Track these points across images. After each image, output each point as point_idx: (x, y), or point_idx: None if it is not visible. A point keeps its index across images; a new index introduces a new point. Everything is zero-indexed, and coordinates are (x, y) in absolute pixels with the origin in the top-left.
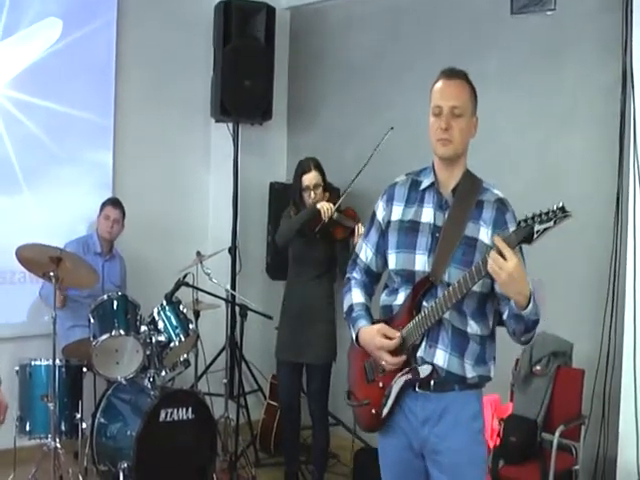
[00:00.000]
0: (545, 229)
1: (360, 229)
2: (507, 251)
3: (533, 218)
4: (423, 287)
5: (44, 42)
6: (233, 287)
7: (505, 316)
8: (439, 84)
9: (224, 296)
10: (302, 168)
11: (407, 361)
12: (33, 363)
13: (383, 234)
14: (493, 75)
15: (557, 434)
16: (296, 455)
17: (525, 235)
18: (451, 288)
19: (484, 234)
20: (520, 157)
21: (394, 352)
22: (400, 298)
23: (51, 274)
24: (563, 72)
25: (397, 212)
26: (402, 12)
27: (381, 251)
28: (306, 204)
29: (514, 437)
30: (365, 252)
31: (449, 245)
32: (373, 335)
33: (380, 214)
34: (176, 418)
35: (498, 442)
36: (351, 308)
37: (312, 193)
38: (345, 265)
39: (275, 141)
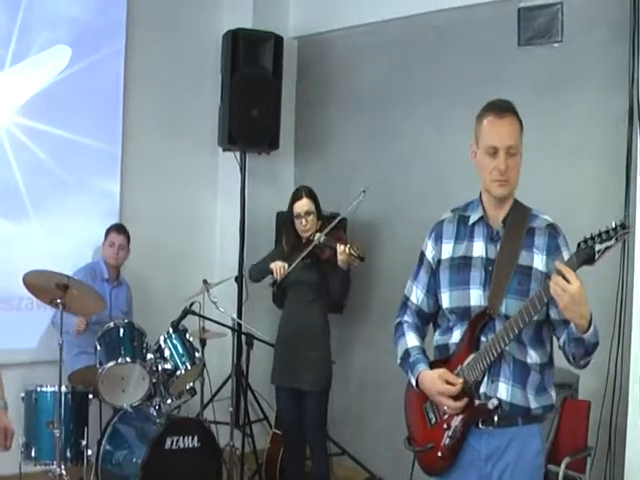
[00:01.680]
0: (607, 248)
1: (341, 248)
2: (570, 274)
3: (593, 238)
4: (481, 322)
5: (52, 69)
6: (239, 316)
7: (561, 342)
8: (491, 121)
9: (230, 325)
10: (294, 196)
11: (470, 400)
12: (39, 389)
13: (434, 274)
14: None
15: (563, 466)
16: None
17: (586, 256)
18: (512, 319)
19: (538, 261)
20: (527, 188)
21: (456, 396)
22: (456, 336)
23: (58, 301)
24: (570, 104)
25: (447, 250)
26: (409, 43)
27: (432, 291)
28: (298, 231)
29: None
30: (416, 294)
31: (504, 276)
32: (434, 380)
33: (429, 254)
34: (182, 446)
35: None
36: (407, 353)
37: (303, 220)
38: (336, 290)
39: (282, 170)
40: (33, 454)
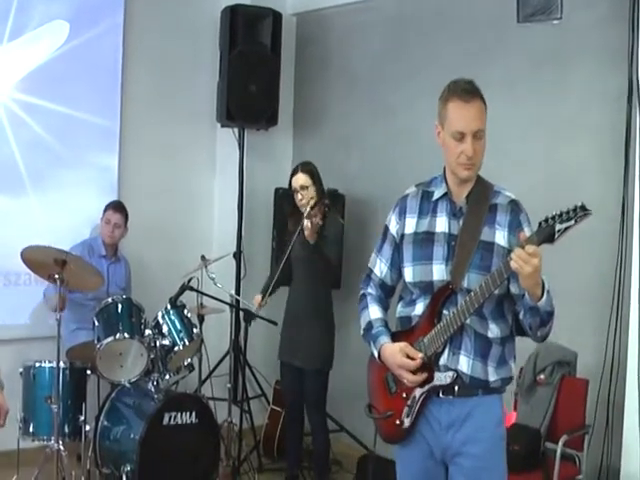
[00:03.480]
0: (566, 228)
1: (304, 224)
2: (531, 248)
3: (554, 218)
4: (443, 295)
5: (51, 45)
6: (237, 292)
7: (521, 315)
8: (457, 105)
9: (228, 301)
10: (292, 171)
11: (429, 370)
12: (37, 365)
13: (397, 248)
14: (499, 83)
15: (561, 444)
16: (298, 459)
17: (546, 235)
18: (472, 293)
19: (500, 237)
20: (525, 165)
21: (415, 370)
22: (419, 308)
23: (56, 276)
24: (569, 81)
25: (410, 224)
26: (408, 20)
27: (396, 265)
28: (297, 205)
29: (517, 446)
30: (379, 267)
31: (466, 251)
32: (395, 354)
33: (393, 228)
34: (180, 422)
35: None
36: (370, 325)
37: (299, 195)
38: (333, 257)
39: (280, 147)
40: (31, 429)
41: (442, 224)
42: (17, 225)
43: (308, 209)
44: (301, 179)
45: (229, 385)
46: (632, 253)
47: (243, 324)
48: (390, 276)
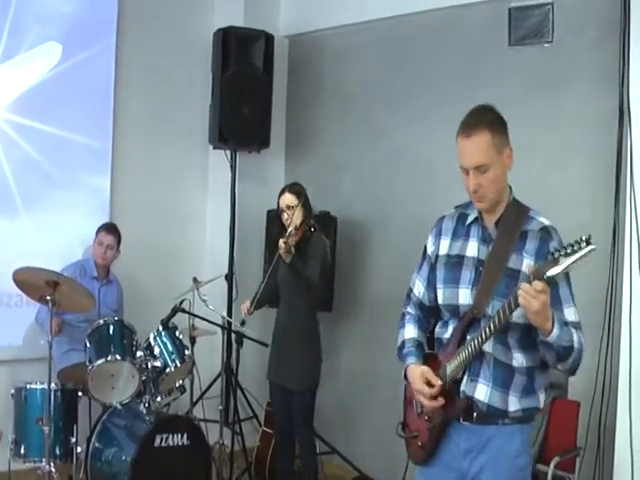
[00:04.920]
0: (573, 262)
1: (279, 243)
2: (537, 284)
3: (559, 251)
4: (468, 320)
5: (43, 66)
6: (229, 314)
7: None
8: (460, 141)
9: (220, 323)
10: (280, 191)
11: (450, 397)
12: (28, 386)
13: (433, 268)
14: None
15: (552, 466)
16: None
17: (551, 268)
18: (490, 321)
19: (527, 265)
20: (516, 188)
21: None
22: (450, 331)
23: (47, 298)
24: (560, 104)
25: (444, 246)
26: (401, 42)
27: (432, 285)
28: (284, 225)
29: None
30: (418, 287)
31: (492, 278)
32: (415, 378)
33: (430, 248)
34: (171, 444)
35: None
36: (403, 344)
37: (285, 214)
38: (314, 277)
39: (272, 169)
40: (22, 451)
41: (472, 249)
42: (9, 246)
43: (291, 229)
44: (287, 199)
45: (220, 407)
46: (623, 277)
47: (235, 346)
48: (427, 296)
